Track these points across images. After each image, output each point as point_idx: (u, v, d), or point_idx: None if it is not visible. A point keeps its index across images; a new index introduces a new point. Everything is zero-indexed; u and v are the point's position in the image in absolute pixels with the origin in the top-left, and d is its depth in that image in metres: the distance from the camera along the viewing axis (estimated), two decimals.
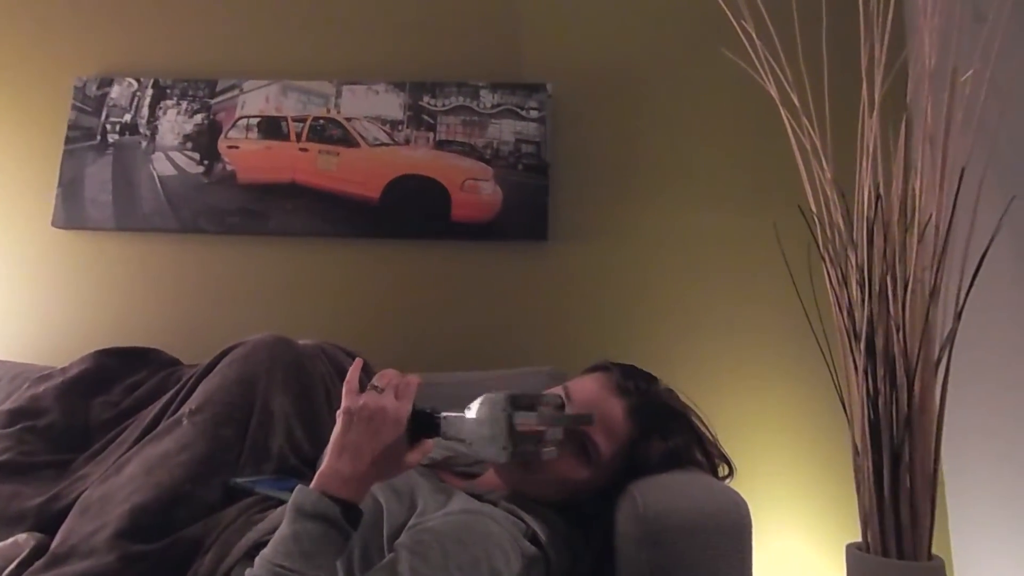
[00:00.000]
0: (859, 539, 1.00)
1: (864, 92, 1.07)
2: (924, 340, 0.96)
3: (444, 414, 0.69)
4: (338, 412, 0.68)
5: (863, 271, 1.00)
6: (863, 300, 0.99)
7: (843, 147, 1.09)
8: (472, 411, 0.68)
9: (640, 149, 1.52)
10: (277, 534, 0.64)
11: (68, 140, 1.56)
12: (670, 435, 0.83)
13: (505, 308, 1.46)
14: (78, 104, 1.58)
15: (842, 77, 1.15)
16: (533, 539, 0.75)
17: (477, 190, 1.48)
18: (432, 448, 0.71)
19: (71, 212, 1.53)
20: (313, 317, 1.46)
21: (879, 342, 0.98)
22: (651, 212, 1.49)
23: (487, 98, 1.53)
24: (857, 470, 1.00)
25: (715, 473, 0.88)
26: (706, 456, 0.87)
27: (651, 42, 1.57)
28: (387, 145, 1.52)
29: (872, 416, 0.97)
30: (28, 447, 0.98)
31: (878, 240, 1.00)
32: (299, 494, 0.65)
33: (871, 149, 1.05)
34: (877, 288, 0.99)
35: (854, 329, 1.01)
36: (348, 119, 1.53)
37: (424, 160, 1.50)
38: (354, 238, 1.50)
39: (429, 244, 1.49)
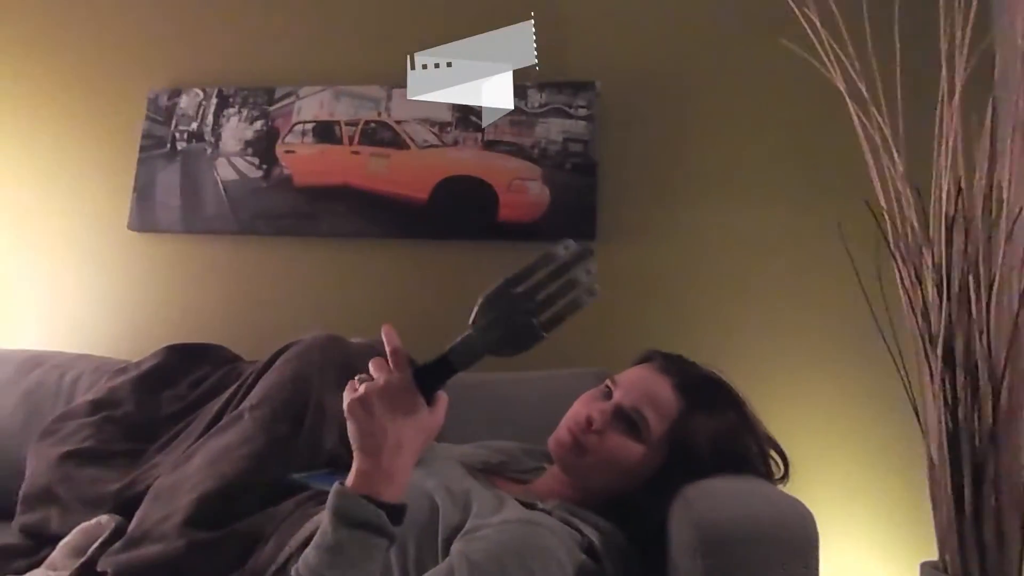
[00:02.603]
0: (935, 558, 0.95)
1: (944, 78, 1.00)
2: (1013, 345, 0.89)
3: (448, 348, 0.66)
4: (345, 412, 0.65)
5: (940, 271, 0.95)
6: (940, 302, 0.94)
7: (916, 139, 1.03)
8: (479, 323, 0.64)
9: (692, 146, 1.49)
10: (320, 540, 0.63)
11: (142, 148, 1.66)
12: (717, 409, 0.83)
13: None
14: (151, 114, 1.67)
15: (917, 64, 1.08)
16: (589, 549, 0.74)
17: (524, 190, 1.48)
18: (446, 401, 0.68)
19: (144, 216, 1.63)
20: (363, 316, 1.50)
21: (959, 347, 0.92)
22: (703, 211, 1.45)
23: (535, 97, 1.53)
24: (933, 484, 0.94)
25: (766, 463, 0.85)
26: (754, 436, 0.85)
27: (704, 35, 1.52)
28: (436, 147, 1.54)
29: (951, 427, 0.91)
30: (107, 435, 1.05)
31: (958, 237, 0.94)
32: (339, 499, 0.63)
33: (951, 139, 0.98)
34: (957, 289, 0.93)
35: (929, 333, 0.95)
36: (398, 122, 1.56)
37: (472, 161, 1.52)
38: (403, 239, 1.53)
39: (477, 244, 1.50)
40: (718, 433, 0.82)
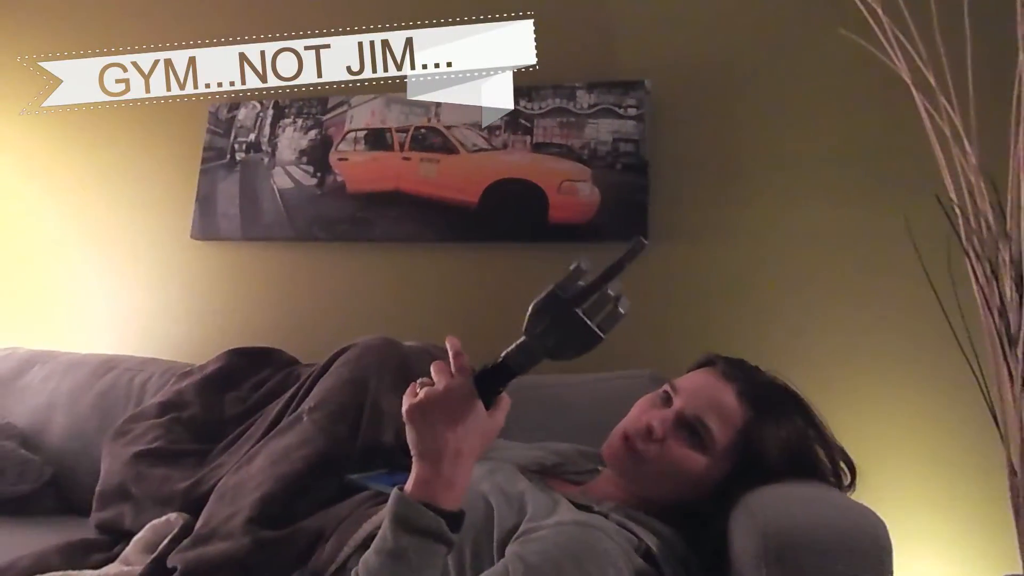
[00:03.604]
0: (1019, 572, 0.89)
1: (1021, 62, 0.94)
2: None
3: (504, 354, 0.65)
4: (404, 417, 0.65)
5: (1020, 266, 0.89)
6: (1020, 299, 0.88)
7: (990, 128, 0.97)
8: (533, 330, 0.63)
9: (747, 142, 1.44)
10: (380, 545, 0.63)
11: (204, 160, 1.73)
12: (785, 417, 0.79)
13: None
14: (211, 128, 1.74)
15: (989, 49, 1.02)
16: (646, 555, 0.72)
17: (574, 191, 1.47)
18: (508, 403, 0.68)
19: (206, 224, 1.69)
20: (417, 319, 1.52)
21: None
22: (759, 208, 1.40)
23: (584, 98, 1.51)
24: (1015, 492, 0.89)
25: (835, 470, 0.81)
26: (824, 443, 0.81)
27: (757, 28, 1.48)
28: (485, 150, 1.55)
29: None
30: (175, 436, 1.09)
31: None
32: (399, 505, 0.63)
33: None
34: None
35: (1008, 332, 0.90)
36: (448, 127, 1.58)
37: (521, 164, 1.52)
38: (454, 242, 1.54)
39: (527, 247, 1.50)
40: (787, 442, 0.78)
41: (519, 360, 0.65)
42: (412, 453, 0.65)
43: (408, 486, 0.64)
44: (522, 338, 0.64)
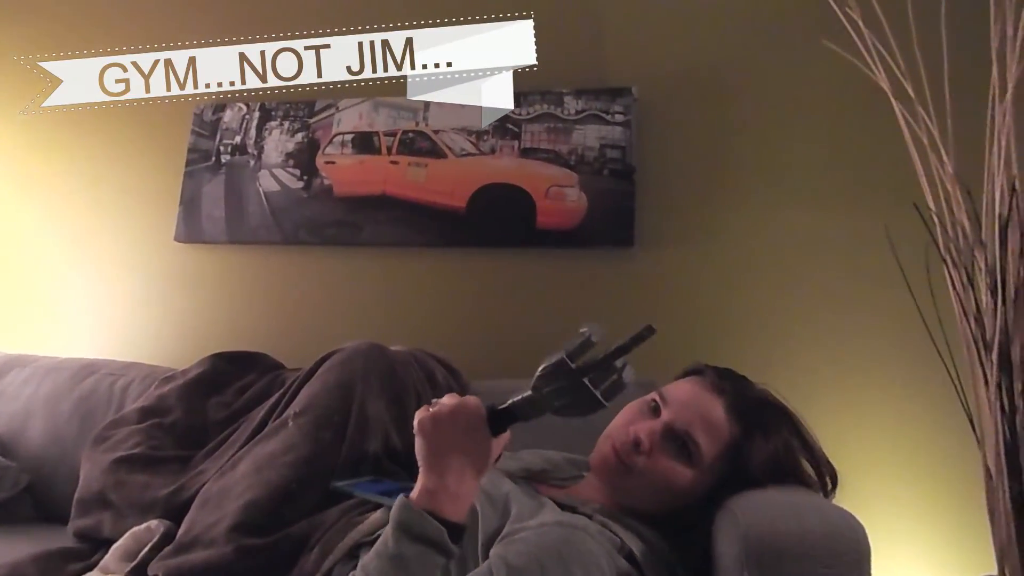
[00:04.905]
0: (994, 572, 0.91)
1: (994, 75, 0.97)
2: None
3: (511, 401, 0.69)
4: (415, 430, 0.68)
5: (995, 273, 0.91)
6: (995, 306, 0.90)
7: (966, 139, 1.00)
8: (541, 389, 0.68)
9: (733, 149, 1.46)
10: (382, 549, 0.64)
11: (188, 162, 1.71)
12: (773, 431, 0.80)
13: (591, 315, 1.42)
14: (196, 129, 1.73)
15: (965, 61, 1.05)
16: (628, 556, 0.73)
17: (562, 197, 1.48)
18: (508, 437, 0.71)
19: (190, 227, 1.67)
20: (404, 324, 1.52)
21: (1016, 353, 0.88)
22: (744, 215, 1.42)
23: (571, 104, 1.52)
24: (991, 496, 0.91)
25: (820, 478, 0.83)
26: (811, 456, 0.83)
27: (743, 37, 1.50)
28: (473, 155, 1.55)
29: (1008, 436, 0.88)
30: (156, 442, 1.08)
31: (1013, 238, 0.91)
32: (403, 512, 0.64)
33: (1003, 138, 0.95)
34: (1013, 293, 0.90)
35: (983, 338, 0.92)
36: (436, 131, 1.58)
37: (509, 169, 1.52)
38: (442, 247, 1.54)
39: (515, 252, 1.50)
40: (774, 455, 0.79)
41: (525, 411, 0.69)
42: (420, 464, 0.68)
43: (413, 494, 0.67)
44: (529, 392, 0.68)
